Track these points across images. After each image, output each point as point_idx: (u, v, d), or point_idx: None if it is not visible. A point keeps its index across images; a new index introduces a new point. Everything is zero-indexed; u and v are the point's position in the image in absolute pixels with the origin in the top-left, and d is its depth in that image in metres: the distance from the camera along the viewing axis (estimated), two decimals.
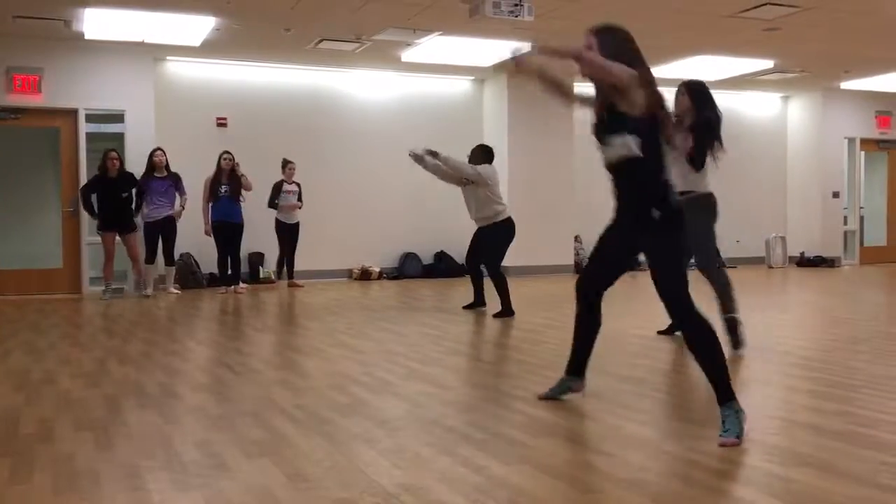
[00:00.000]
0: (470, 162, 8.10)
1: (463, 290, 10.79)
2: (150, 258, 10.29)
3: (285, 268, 11.34)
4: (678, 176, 5.86)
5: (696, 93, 5.93)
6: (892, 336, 6.81)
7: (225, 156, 10.60)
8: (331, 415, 4.06)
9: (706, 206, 5.84)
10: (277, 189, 11.10)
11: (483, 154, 8.18)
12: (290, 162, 11.20)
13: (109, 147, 10.16)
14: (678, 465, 3.21)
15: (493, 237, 8.00)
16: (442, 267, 12.81)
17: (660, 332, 6.50)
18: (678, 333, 6.41)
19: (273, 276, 11.80)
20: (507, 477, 3.12)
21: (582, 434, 3.81)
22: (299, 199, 11.25)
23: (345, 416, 4.03)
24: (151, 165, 10.27)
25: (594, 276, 4.13)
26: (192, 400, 4.47)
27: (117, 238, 10.05)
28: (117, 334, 7.06)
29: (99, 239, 10.40)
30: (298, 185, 11.29)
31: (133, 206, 10.13)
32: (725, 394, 3.56)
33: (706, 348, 3.63)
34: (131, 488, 3.00)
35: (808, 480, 3.00)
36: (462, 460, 3.28)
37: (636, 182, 3.73)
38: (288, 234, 11.21)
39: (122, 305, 9.29)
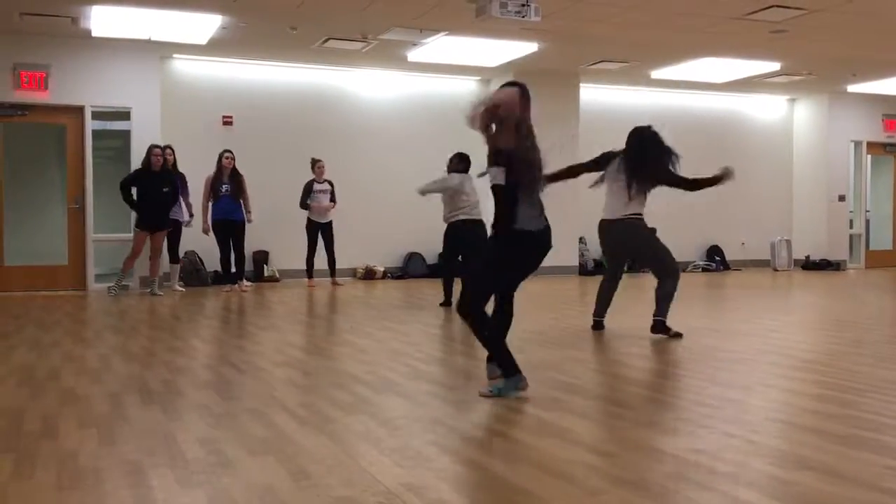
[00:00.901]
0: (449, 168, 8.74)
1: None
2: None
3: (327, 266, 11.15)
4: (617, 204, 6.52)
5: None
6: None
7: (226, 154, 10.51)
8: (334, 413, 4.07)
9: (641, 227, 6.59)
10: (308, 189, 10.98)
11: (459, 162, 8.68)
12: (319, 160, 11.10)
13: (155, 144, 10.13)
14: (679, 467, 3.21)
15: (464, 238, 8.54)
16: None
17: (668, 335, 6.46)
18: (675, 333, 6.43)
19: (276, 274, 11.83)
20: (508, 476, 3.12)
21: (583, 434, 3.81)
22: (332, 198, 11.15)
23: (348, 415, 4.03)
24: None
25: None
26: (195, 397, 4.47)
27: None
28: (122, 331, 7.08)
29: (105, 237, 10.41)
30: (331, 183, 11.18)
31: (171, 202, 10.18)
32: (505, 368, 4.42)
33: (485, 339, 4.50)
34: (134, 485, 3.01)
35: (810, 484, 2.99)
36: (464, 459, 3.28)
37: (498, 204, 4.41)
38: (320, 235, 11.04)
39: (127, 302, 9.31)
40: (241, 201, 10.50)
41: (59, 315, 8.16)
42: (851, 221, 15.29)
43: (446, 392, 4.57)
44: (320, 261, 11.19)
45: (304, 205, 10.97)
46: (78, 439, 3.61)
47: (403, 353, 5.84)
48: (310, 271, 11.13)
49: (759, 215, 15.08)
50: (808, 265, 14.81)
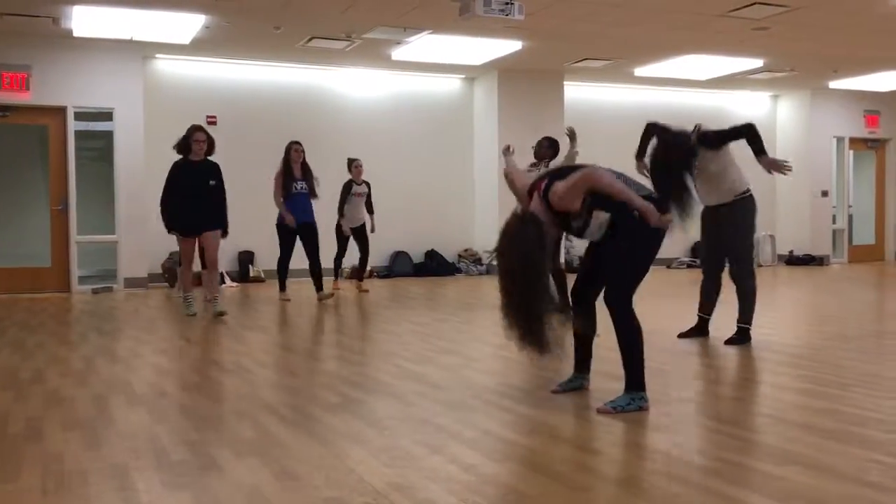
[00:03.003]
0: (537, 155, 7.84)
1: (454, 288, 10.78)
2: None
3: (346, 268, 10.71)
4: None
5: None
6: (881, 334, 6.85)
7: (295, 146, 9.19)
8: (321, 414, 4.06)
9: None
10: (347, 190, 10.06)
11: (549, 147, 7.86)
12: (356, 160, 10.30)
13: (196, 125, 8.05)
14: (668, 464, 3.22)
15: None
16: (432, 265, 12.81)
17: (680, 335, 6.42)
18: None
19: (262, 275, 11.78)
20: (497, 475, 3.12)
21: (573, 433, 3.81)
22: (369, 201, 10.28)
23: (335, 415, 4.02)
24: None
25: None
26: (181, 399, 4.45)
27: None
28: (106, 333, 7.03)
29: (89, 238, 10.29)
30: (368, 184, 10.33)
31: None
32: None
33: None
34: (119, 488, 2.99)
35: (797, 478, 3.01)
36: (452, 459, 3.28)
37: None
38: (355, 237, 10.32)
39: (112, 304, 9.25)
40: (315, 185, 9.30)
41: (43, 317, 8.10)
42: (834, 217, 15.40)
43: (435, 392, 4.56)
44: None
45: (342, 211, 10.09)
46: (63, 442, 3.59)
47: (392, 353, 5.83)
48: (336, 271, 10.78)
49: None
50: (792, 260, 14.91)
